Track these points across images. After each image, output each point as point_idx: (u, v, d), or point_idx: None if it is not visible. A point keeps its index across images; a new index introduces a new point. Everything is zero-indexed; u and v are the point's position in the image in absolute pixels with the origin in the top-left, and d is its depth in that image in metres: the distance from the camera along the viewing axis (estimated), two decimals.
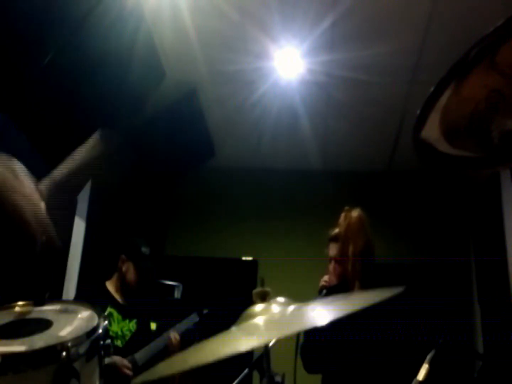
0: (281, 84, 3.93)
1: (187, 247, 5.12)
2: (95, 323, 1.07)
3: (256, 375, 1.86)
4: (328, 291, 2.33)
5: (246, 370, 1.95)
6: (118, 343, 2.90)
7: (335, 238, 2.41)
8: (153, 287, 3.32)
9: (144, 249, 3.10)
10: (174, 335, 3.01)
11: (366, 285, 2.26)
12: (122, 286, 3.05)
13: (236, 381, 1.90)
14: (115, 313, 2.95)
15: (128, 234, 3.25)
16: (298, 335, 2.09)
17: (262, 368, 1.52)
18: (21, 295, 1.13)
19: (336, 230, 2.40)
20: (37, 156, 2.95)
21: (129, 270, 3.04)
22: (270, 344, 1.93)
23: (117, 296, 3.04)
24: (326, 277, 2.43)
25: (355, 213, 2.38)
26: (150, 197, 4.64)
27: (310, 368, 2.34)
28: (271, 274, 4.25)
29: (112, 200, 4.08)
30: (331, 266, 2.41)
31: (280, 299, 1.02)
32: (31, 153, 2.77)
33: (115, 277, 3.09)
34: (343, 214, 2.39)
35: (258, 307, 1.00)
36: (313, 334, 2.26)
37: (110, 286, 3.07)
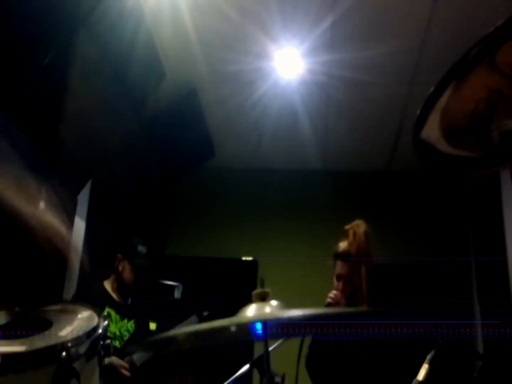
0: (281, 84, 3.93)
1: (187, 247, 5.12)
2: (95, 323, 1.07)
3: (256, 375, 1.86)
4: None
5: (246, 366, 1.95)
6: (116, 343, 2.88)
7: (344, 256, 2.31)
8: (151, 286, 3.28)
9: (140, 248, 3.09)
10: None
11: (374, 303, 2.24)
12: (119, 286, 3.05)
13: (235, 376, 1.90)
14: (113, 314, 2.94)
15: (125, 233, 3.23)
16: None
17: (263, 368, 1.52)
18: (21, 295, 1.13)
19: (344, 247, 2.32)
20: (37, 156, 2.95)
21: (126, 269, 3.04)
22: (271, 348, 1.93)
23: (114, 296, 3.03)
24: (332, 294, 2.32)
25: (362, 227, 2.32)
26: (150, 197, 4.64)
27: (315, 381, 2.33)
28: (271, 274, 4.24)
29: (112, 200, 4.07)
30: (340, 285, 2.31)
31: (274, 302, 0.98)
32: (31, 153, 2.77)
33: (112, 277, 3.08)
34: (351, 231, 2.31)
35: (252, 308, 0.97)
36: (317, 346, 2.23)
37: (108, 286, 3.06)
